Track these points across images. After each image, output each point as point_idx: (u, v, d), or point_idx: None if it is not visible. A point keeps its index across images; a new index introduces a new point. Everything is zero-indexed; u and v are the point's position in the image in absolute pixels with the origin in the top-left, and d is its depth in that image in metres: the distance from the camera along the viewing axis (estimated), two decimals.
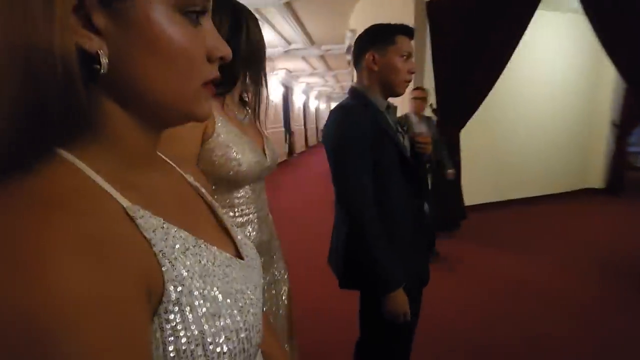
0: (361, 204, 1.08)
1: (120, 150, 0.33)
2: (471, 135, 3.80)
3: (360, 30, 1.26)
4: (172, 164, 0.46)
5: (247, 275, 0.40)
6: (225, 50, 0.35)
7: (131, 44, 0.29)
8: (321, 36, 6.98)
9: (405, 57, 1.13)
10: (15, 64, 0.25)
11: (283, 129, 11.03)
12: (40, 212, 0.24)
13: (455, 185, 3.66)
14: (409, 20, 3.37)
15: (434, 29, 3.24)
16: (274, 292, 1.03)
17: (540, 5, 2.99)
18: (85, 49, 0.27)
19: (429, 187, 2.73)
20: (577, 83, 4.97)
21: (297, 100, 13.66)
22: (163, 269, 0.30)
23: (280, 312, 1.04)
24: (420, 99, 2.99)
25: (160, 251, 0.30)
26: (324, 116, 22.20)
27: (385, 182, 1.12)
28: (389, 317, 1.11)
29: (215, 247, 0.37)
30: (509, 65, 3.29)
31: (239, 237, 0.46)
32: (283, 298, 1.07)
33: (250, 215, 0.94)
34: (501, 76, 3.34)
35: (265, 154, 0.98)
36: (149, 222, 0.31)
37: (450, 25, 3.13)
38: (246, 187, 0.94)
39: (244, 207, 0.93)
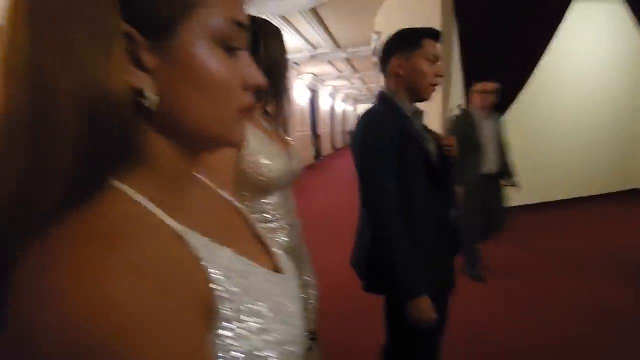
0: (384, 207, 1.09)
1: (162, 175, 0.34)
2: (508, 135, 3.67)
3: (385, 32, 1.27)
4: (206, 180, 0.48)
5: (286, 289, 0.41)
6: (260, 79, 0.36)
7: (174, 78, 0.31)
8: (347, 39, 6.99)
9: (431, 61, 1.13)
10: (79, 105, 0.27)
11: (310, 132, 11.12)
12: (102, 241, 0.25)
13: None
14: (435, 19, 3.32)
15: (462, 27, 3.16)
16: (303, 296, 1.05)
17: None
18: (135, 86, 0.29)
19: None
20: (618, 77, 4.66)
21: (324, 104, 13.73)
22: (213, 286, 0.31)
23: (306, 315, 1.07)
24: (487, 93, 2.65)
25: (210, 269, 0.31)
26: (351, 118, 22.18)
27: (410, 187, 1.12)
28: (413, 323, 1.10)
29: (256, 263, 0.38)
30: (543, 60, 3.15)
31: (274, 249, 0.47)
32: (310, 301, 1.09)
33: (281, 221, 0.97)
34: (535, 73, 3.21)
35: (291, 159, 1.01)
36: (197, 241, 0.32)
37: (480, 22, 3.05)
38: (276, 193, 0.97)
39: (275, 212, 0.96)
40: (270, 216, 0.95)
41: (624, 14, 2.87)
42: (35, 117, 0.26)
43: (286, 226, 0.98)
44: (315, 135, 11.95)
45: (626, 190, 4.94)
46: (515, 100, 3.31)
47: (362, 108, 24.65)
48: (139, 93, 0.29)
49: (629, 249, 3.17)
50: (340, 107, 18.21)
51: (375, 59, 6.81)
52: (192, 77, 0.31)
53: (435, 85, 1.15)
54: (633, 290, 2.48)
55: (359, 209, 1.24)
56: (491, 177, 2.69)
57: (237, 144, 0.37)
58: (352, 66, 10.10)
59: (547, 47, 3.10)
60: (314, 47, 7.21)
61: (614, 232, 3.66)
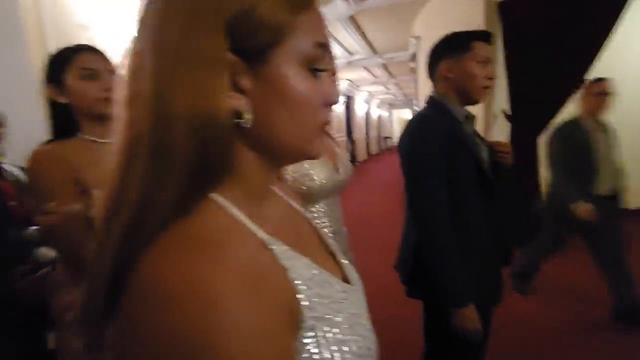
0: (431, 212, 1.07)
1: (250, 187, 0.37)
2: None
3: (425, 37, 1.27)
4: (279, 191, 0.50)
5: (357, 300, 0.42)
6: (337, 97, 0.39)
7: (266, 98, 0.33)
8: (384, 45, 6.96)
9: (483, 63, 1.11)
10: (191, 127, 0.30)
11: (345, 138, 11.14)
12: (203, 251, 0.28)
13: (534, 195, 3.37)
14: (478, 22, 3.23)
15: (507, 30, 3.05)
16: None
17: None
18: (235, 107, 0.32)
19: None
20: None
21: (359, 109, 13.70)
22: (299, 296, 0.32)
23: None
24: (602, 95, 2.26)
25: (295, 279, 0.33)
26: (386, 124, 21.95)
27: (460, 193, 1.10)
28: (457, 333, 1.07)
29: (330, 274, 0.40)
30: (599, 63, 2.96)
31: (343, 261, 0.48)
32: None
33: (328, 229, 0.99)
34: (589, 75, 3.01)
35: (338, 170, 1.02)
36: (283, 251, 0.34)
37: (527, 24, 2.93)
38: (322, 201, 0.99)
39: (319, 221, 0.98)
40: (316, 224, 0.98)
41: None
42: (155, 138, 0.30)
43: (332, 235, 1.00)
44: (351, 141, 11.94)
45: None
46: (567, 106, 3.13)
47: (398, 114, 24.41)
48: (237, 114, 0.32)
49: None
50: (376, 112, 18.08)
51: (412, 65, 6.72)
52: (282, 98, 0.34)
53: (487, 87, 1.13)
54: None
55: (405, 213, 1.22)
56: (605, 199, 2.20)
57: (316, 157, 0.39)
58: (389, 71, 10.01)
59: (603, 48, 2.90)
60: (351, 53, 7.24)
61: None
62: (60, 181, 0.87)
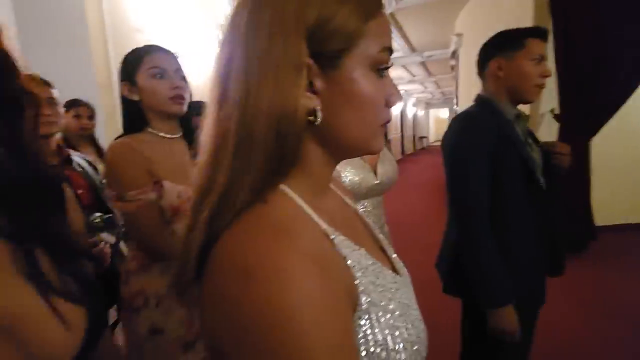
0: (473, 211, 1.05)
1: (313, 180, 0.40)
2: (605, 145, 3.26)
3: (467, 34, 1.25)
4: (335, 188, 0.53)
5: (407, 291, 0.44)
6: (400, 98, 0.42)
7: (336, 98, 0.37)
8: (423, 43, 6.82)
9: (536, 61, 1.07)
10: (272, 123, 0.33)
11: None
12: (277, 234, 0.31)
13: (583, 201, 3.18)
14: (527, 20, 3.09)
15: (558, 27, 2.89)
16: None
17: None
18: (309, 106, 0.35)
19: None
20: None
21: (395, 108, 13.48)
22: (356, 282, 0.35)
23: None
24: None
25: (353, 266, 0.35)
26: (422, 124, 21.41)
27: (506, 194, 1.08)
28: (495, 335, 1.05)
29: (382, 265, 0.42)
30: None
31: (393, 255, 0.51)
32: None
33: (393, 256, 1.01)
34: None
35: (375, 172, 1.03)
36: (341, 241, 0.36)
37: (580, 22, 2.76)
38: (365, 200, 1.00)
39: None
40: None
41: None
42: (241, 131, 0.34)
43: None
44: (386, 141, 11.78)
45: None
46: (622, 109, 2.92)
47: (435, 113, 23.70)
48: (310, 112, 0.36)
49: None
50: (411, 111, 17.71)
51: (453, 62, 6.52)
52: (350, 98, 0.37)
53: (541, 86, 1.09)
54: None
55: (447, 211, 1.21)
56: None
57: (376, 152, 0.42)
58: (427, 70, 9.78)
59: None
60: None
61: None
62: (138, 172, 0.94)
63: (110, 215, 1.35)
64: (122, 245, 1.36)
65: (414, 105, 18.05)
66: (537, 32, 1.09)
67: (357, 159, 1.01)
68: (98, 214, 1.35)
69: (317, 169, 0.40)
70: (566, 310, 2.37)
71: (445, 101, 18.47)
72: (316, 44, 0.35)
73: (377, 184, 1.02)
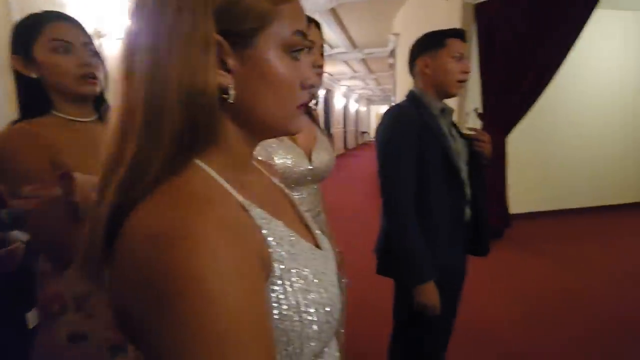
0: (398, 197, 1.15)
1: (231, 157, 0.41)
2: (519, 142, 3.66)
3: (404, 34, 1.34)
4: (260, 167, 0.55)
5: (326, 262, 0.47)
6: (316, 80, 0.43)
7: (250, 78, 0.38)
8: (364, 40, 7.02)
9: (457, 58, 1.18)
10: (181, 98, 0.34)
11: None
12: (190, 202, 0.32)
13: (500, 191, 3.55)
14: (455, 23, 3.33)
15: (481, 31, 3.17)
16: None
17: (599, 4, 2.83)
18: (221, 83, 0.36)
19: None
20: (638, 86, 4.58)
21: (338, 103, 13.75)
22: (270, 250, 0.37)
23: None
24: None
25: (268, 236, 0.38)
26: (364, 119, 22.13)
27: (427, 181, 1.18)
28: (418, 309, 1.16)
29: (302, 238, 0.44)
30: (564, 67, 3.14)
31: (316, 231, 0.54)
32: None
33: (307, 214, 1.02)
34: (553, 79, 3.19)
35: (309, 158, 1.04)
36: (258, 213, 0.38)
37: (500, 27, 3.06)
38: (300, 188, 1.01)
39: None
40: None
41: None
42: (149, 107, 0.34)
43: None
44: (329, 135, 11.98)
45: None
46: (533, 108, 3.31)
47: (376, 109, 24.63)
48: (223, 90, 0.37)
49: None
50: (354, 107, 18.20)
51: (391, 61, 6.82)
52: (263, 77, 0.38)
53: (462, 81, 1.20)
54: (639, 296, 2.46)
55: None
56: None
57: (293, 133, 0.45)
58: (368, 67, 10.10)
59: (568, 55, 3.08)
60: (331, 46, 7.25)
61: (631, 243, 3.60)
62: (36, 163, 0.79)
63: (20, 210, 1.20)
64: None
65: (356, 101, 18.56)
66: (456, 33, 1.20)
67: (290, 144, 1.01)
68: (4, 210, 1.20)
69: (236, 147, 0.41)
70: (487, 292, 2.64)
71: (385, 98, 19.26)
72: (226, 22, 0.35)
73: (310, 169, 1.02)
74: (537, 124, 3.97)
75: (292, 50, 0.40)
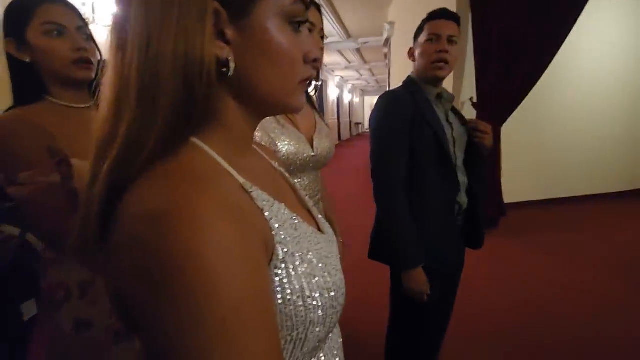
0: (390, 182, 1.15)
1: (231, 136, 0.39)
2: (513, 130, 3.68)
3: (399, 23, 1.35)
4: (260, 151, 0.54)
5: (329, 246, 0.46)
6: (318, 54, 0.41)
7: (249, 50, 0.36)
8: (358, 29, 6.96)
9: (432, 40, 1.17)
10: (177, 69, 0.32)
11: None
12: (192, 182, 0.30)
13: (494, 181, 3.58)
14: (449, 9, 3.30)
15: (476, 18, 3.16)
16: None
17: None
18: (218, 56, 0.34)
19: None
20: (633, 75, 4.61)
21: (331, 94, 13.68)
22: (273, 232, 0.36)
23: None
24: None
25: (270, 218, 0.36)
26: (358, 110, 22.07)
27: (420, 168, 1.18)
28: (407, 295, 1.17)
29: (304, 221, 0.43)
30: (558, 55, 3.15)
31: (319, 216, 0.53)
32: None
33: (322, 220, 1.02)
34: (550, 67, 3.20)
35: (312, 145, 1.04)
36: (259, 195, 0.37)
37: (495, 14, 3.04)
38: (301, 174, 1.00)
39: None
40: None
41: (638, 10, 2.84)
42: (144, 79, 0.32)
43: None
44: (321, 114, 11.89)
45: (635, 190, 4.89)
46: (528, 96, 3.32)
47: (370, 100, 24.57)
48: (221, 62, 0.35)
49: (634, 249, 3.19)
50: (348, 98, 18.13)
51: (385, 50, 6.78)
52: (263, 49, 0.36)
53: (438, 62, 1.17)
54: (635, 288, 2.52)
55: None
56: None
57: (296, 110, 0.43)
58: (362, 57, 10.04)
59: (563, 42, 3.09)
60: (325, 36, 7.16)
61: (625, 231, 3.65)
62: (32, 150, 0.78)
63: (11, 204, 1.18)
64: (34, 238, 1.20)
65: (350, 92, 18.48)
66: (432, 15, 1.21)
67: (292, 129, 1.00)
68: None
69: (236, 127, 0.40)
70: (480, 280, 2.68)
71: (380, 89, 19.23)
72: None
73: (313, 156, 1.02)
74: (530, 114, 3.99)
75: (293, 21, 0.38)
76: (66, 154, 0.81)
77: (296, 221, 0.40)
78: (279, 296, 0.35)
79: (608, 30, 4.36)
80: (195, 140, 0.36)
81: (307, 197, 0.55)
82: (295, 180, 1.01)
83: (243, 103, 0.39)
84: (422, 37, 1.20)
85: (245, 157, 0.42)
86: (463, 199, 1.25)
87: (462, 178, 1.25)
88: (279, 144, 0.94)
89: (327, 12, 5.47)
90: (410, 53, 1.27)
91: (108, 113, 0.33)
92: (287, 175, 0.56)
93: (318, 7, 1.03)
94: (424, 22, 1.21)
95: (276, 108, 0.42)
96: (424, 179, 1.18)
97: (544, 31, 3.01)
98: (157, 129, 0.32)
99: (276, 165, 0.55)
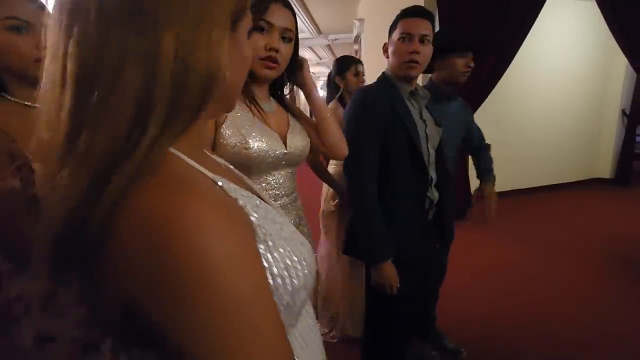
0: (361, 177, 1.16)
1: (189, 135, 0.38)
2: (479, 125, 3.80)
3: (367, 19, 1.35)
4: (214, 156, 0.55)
5: (283, 216, 0.48)
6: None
7: (232, 57, 0.38)
8: (329, 26, 6.96)
9: (403, 39, 1.17)
10: (203, 83, 0.33)
11: None
12: (181, 187, 0.31)
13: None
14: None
15: (443, 16, 3.24)
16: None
17: None
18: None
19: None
20: (588, 72, 4.92)
21: None
22: (252, 218, 0.38)
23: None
24: None
25: (245, 205, 0.38)
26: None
27: (391, 164, 1.19)
28: (378, 288, 1.19)
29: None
30: (518, 54, 3.29)
31: (276, 204, 0.55)
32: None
33: (284, 199, 1.01)
34: (510, 65, 3.34)
35: (285, 142, 1.02)
36: (230, 186, 0.38)
37: (460, 14, 3.13)
38: (266, 174, 0.99)
39: (272, 191, 1.00)
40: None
41: (595, 11, 3.03)
42: (173, 87, 0.32)
43: (288, 204, 1.03)
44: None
45: (591, 179, 5.26)
46: (491, 93, 3.45)
47: None
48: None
49: (604, 235, 3.41)
50: (320, 94, 18.10)
51: (356, 47, 6.82)
52: (239, 56, 0.41)
53: (409, 62, 1.17)
54: (604, 275, 2.69)
55: None
56: None
57: (232, 108, 0.47)
58: (333, 53, 10.06)
59: (524, 40, 3.23)
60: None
61: (584, 218, 3.91)
62: None
63: None
64: None
65: (322, 88, 18.47)
66: (404, 13, 1.20)
67: (262, 125, 0.98)
68: None
69: (195, 125, 0.39)
70: (452, 274, 2.77)
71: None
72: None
73: (285, 153, 1.00)
74: (493, 108, 4.15)
75: (250, 29, 0.42)
76: (28, 158, 0.77)
77: (257, 202, 0.42)
78: (268, 273, 0.38)
79: (564, 32, 4.63)
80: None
81: (283, 197, 0.54)
82: (271, 179, 1.00)
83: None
84: (395, 35, 1.20)
85: (202, 154, 0.45)
86: (434, 194, 1.28)
87: (434, 174, 1.28)
88: (250, 140, 0.92)
89: (298, 9, 5.43)
90: (385, 49, 1.27)
91: (70, 114, 0.33)
92: (236, 171, 0.58)
93: (289, 6, 1.00)
94: (398, 18, 1.21)
95: (225, 108, 0.45)
96: (396, 172, 1.20)
97: (508, 27, 3.14)
98: (153, 131, 0.31)
99: (222, 161, 0.57)
